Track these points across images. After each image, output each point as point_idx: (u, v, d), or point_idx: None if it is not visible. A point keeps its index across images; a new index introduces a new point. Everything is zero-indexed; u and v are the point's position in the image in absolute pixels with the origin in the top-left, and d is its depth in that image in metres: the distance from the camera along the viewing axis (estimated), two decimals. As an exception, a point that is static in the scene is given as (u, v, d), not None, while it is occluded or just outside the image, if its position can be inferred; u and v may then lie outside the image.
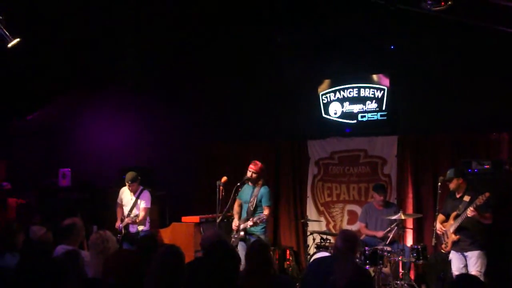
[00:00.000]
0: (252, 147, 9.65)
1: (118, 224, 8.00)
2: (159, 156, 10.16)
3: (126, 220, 7.87)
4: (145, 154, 10.14)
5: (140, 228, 7.93)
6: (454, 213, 6.66)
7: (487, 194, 6.31)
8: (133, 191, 8.03)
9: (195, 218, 8.36)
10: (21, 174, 9.87)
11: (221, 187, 7.31)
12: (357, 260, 7.18)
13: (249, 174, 7.33)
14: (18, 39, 6.95)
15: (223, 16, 8.64)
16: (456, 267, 6.63)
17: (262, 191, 7.25)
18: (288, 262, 8.79)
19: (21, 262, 4.18)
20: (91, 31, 8.48)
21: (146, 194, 8.06)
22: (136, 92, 10.05)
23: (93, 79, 10.13)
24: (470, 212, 6.36)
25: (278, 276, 4.72)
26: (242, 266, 4.56)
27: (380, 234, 7.87)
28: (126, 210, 8.03)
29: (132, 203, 7.99)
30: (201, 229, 8.26)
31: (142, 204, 7.98)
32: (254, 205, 7.16)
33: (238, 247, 7.09)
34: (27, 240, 5.48)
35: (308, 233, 8.57)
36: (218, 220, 7.34)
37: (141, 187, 8.10)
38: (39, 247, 4.44)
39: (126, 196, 8.12)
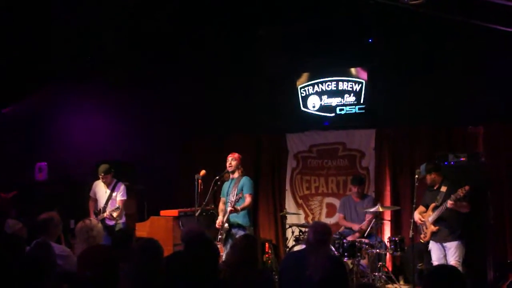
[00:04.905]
0: (231, 140, 9.64)
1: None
2: (137, 150, 10.08)
3: (103, 215, 7.80)
4: (124, 148, 10.05)
5: (117, 220, 7.87)
6: (433, 204, 6.76)
7: (467, 187, 6.39)
8: (107, 183, 7.98)
9: (174, 212, 8.32)
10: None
11: (199, 181, 7.31)
12: (335, 252, 7.24)
13: (228, 163, 7.32)
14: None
15: (203, 10, 8.58)
16: (436, 257, 6.73)
17: (244, 180, 7.27)
18: (267, 255, 8.80)
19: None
20: (70, 24, 8.37)
21: (121, 186, 8.01)
22: (115, 86, 9.95)
23: (71, 72, 10.00)
24: (449, 204, 6.45)
25: (262, 271, 4.69)
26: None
27: (355, 227, 7.94)
28: (101, 203, 7.97)
29: (107, 196, 7.94)
30: (180, 223, 8.23)
31: (119, 196, 7.93)
32: (235, 195, 7.14)
33: (226, 245, 7.06)
34: (1, 234, 5.41)
35: (287, 226, 8.60)
36: (196, 214, 7.34)
37: (115, 180, 8.05)
38: (12, 242, 4.39)
39: (100, 189, 8.05)
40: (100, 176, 7.93)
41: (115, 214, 7.73)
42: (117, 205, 7.81)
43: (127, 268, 3.84)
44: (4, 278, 3.01)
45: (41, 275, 3.08)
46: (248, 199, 7.19)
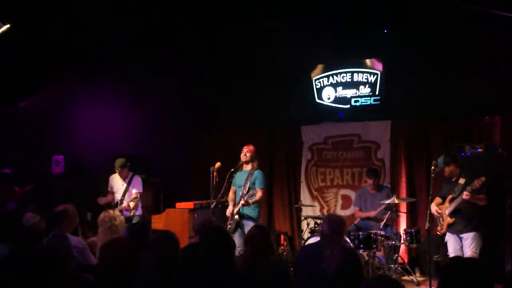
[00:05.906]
0: (246, 133, 9.61)
1: None
2: (153, 142, 10.14)
3: (121, 206, 7.85)
4: (139, 140, 10.11)
5: (133, 213, 7.92)
6: (450, 196, 6.69)
7: (483, 178, 6.31)
8: (124, 177, 8.04)
9: (189, 204, 8.36)
10: (14, 162, 9.82)
11: (215, 173, 7.32)
12: (351, 244, 7.22)
13: (243, 154, 7.36)
14: (7, 25, 6.90)
15: (214, 3, 8.56)
16: (452, 249, 6.68)
17: (256, 174, 7.28)
18: (282, 247, 8.82)
19: (13, 250, 4.18)
20: (84, 17, 8.41)
21: (138, 179, 8.06)
22: (130, 80, 10.00)
23: (86, 66, 10.06)
24: (465, 195, 6.40)
25: (278, 263, 4.69)
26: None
27: (372, 213, 7.92)
28: (118, 196, 8.03)
29: (123, 189, 7.99)
30: (195, 215, 8.26)
31: (134, 189, 7.98)
32: (247, 188, 7.16)
33: (235, 234, 7.10)
34: (19, 228, 5.48)
35: (302, 218, 8.60)
36: (212, 206, 7.37)
37: (131, 173, 8.10)
38: (30, 235, 4.44)
39: (116, 182, 8.11)
40: (117, 171, 7.99)
41: (132, 204, 7.77)
42: (134, 196, 7.85)
43: (143, 260, 3.86)
44: (21, 270, 3.05)
45: (57, 266, 3.11)
46: (259, 194, 7.22)
